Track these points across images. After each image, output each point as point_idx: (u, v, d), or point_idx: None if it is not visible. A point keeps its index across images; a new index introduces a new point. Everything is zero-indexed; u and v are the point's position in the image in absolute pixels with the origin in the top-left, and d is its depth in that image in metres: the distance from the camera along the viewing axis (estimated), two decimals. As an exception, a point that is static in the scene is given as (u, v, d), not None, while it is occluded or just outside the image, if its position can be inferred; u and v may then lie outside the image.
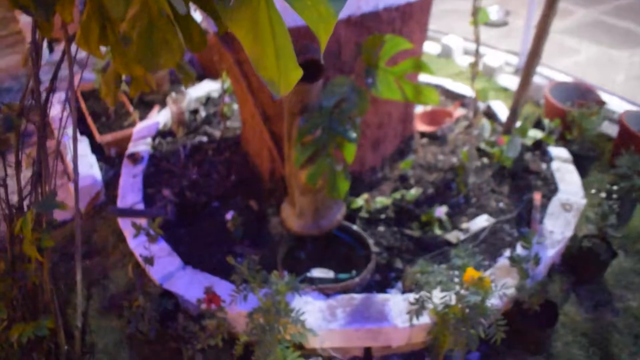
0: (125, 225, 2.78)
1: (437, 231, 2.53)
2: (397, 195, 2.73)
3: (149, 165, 3.12)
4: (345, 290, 2.29)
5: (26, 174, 1.71)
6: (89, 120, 3.58)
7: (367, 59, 2.22)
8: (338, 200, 2.52)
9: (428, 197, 2.75)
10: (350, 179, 2.51)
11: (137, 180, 3.01)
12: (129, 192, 2.94)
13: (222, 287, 2.31)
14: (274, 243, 2.59)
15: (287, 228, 2.50)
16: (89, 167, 3.23)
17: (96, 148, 3.45)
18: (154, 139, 3.31)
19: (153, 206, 2.86)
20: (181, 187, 2.95)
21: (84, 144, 3.39)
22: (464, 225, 2.61)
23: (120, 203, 2.90)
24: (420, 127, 3.27)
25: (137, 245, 2.64)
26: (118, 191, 2.95)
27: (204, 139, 3.30)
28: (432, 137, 3.23)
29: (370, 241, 2.48)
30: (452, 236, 2.55)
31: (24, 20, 4.63)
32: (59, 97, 3.72)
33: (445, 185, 2.83)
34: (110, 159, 3.43)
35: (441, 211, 2.53)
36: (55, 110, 3.50)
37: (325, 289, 2.28)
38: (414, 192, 2.72)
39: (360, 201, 2.66)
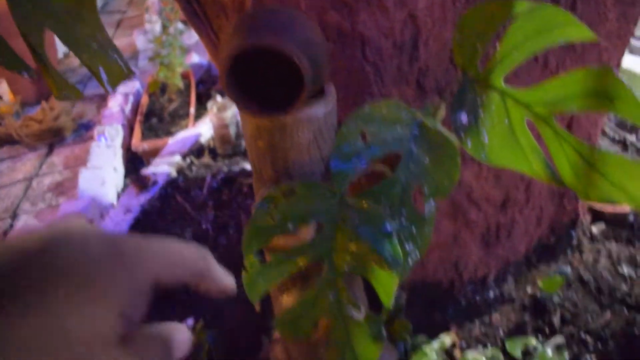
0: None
1: None
2: (515, 348, 1.24)
3: (158, 195, 1.94)
4: None
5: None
6: (137, 119, 2.51)
7: (463, 62, 0.76)
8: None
9: (581, 372, 1.21)
10: (405, 299, 1.13)
11: (126, 220, 1.85)
12: (106, 236, 1.78)
13: None
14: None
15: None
16: (99, 184, 2.14)
17: (139, 158, 2.38)
18: (184, 157, 2.13)
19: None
20: (179, 238, 1.72)
21: (110, 151, 2.32)
22: None
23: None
24: (597, 204, 1.67)
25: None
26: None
27: (248, 166, 2.04)
28: (617, 224, 1.63)
29: None
30: None
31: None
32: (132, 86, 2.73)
33: (625, 346, 1.26)
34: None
35: None
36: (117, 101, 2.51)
37: None
38: (551, 353, 1.20)
39: (432, 351, 1.21)
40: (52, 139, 2.83)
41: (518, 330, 1.34)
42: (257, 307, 0.89)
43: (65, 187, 2.52)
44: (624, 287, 1.43)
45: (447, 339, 1.25)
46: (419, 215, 0.81)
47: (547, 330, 1.33)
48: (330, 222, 0.82)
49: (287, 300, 0.98)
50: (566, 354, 1.20)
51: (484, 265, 1.32)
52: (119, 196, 2.22)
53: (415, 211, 0.81)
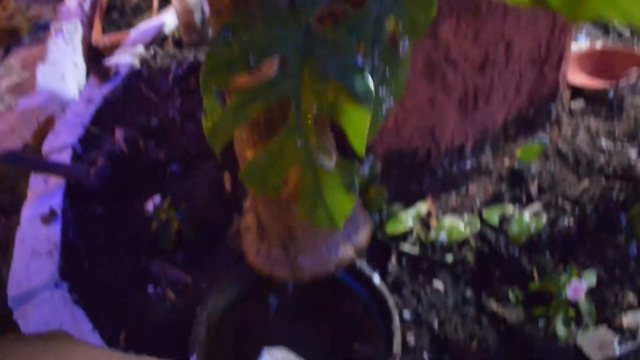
0: (34, 180, 1.54)
1: (560, 328, 0.98)
2: (492, 215, 1.20)
3: (122, 86, 1.82)
4: None
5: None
6: (97, 15, 2.33)
7: None
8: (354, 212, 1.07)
9: (559, 235, 1.18)
10: (380, 168, 1.06)
11: (88, 109, 1.73)
12: (67, 127, 1.69)
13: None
14: (229, 267, 1.20)
15: (245, 255, 1.10)
16: (59, 79, 2.00)
17: (101, 54, 2.23)
18: (148, 47, 1.99)
19: (88, 153, 1.58)
20: (146, 128, 1.63)
21: (69, 47, 2.16)
22: (627, 320, 1.03)
23: (50, 141, 1.66)
24: (577, 77, 1.61)
25: (27, 219, 1.41)
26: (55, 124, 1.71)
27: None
28: (596, 100, 1.57)
29: (396, 318, 1.00)
30: (592, 343, 1.00)
31: None
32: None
33: (603, 213, 1.22)
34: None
35: (581, 288, 0.97)
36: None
37: None
38: (529, 218, 1.17)
39: (408, 219, 1.17)
40: (7, 40, 2.65)
41: (495, 200, 1.30)
42: (218, 157, 0.81)
43: (25, 88, 2.37)
44: (602, 159, 1.39)
45: (423, 207, 1.20)
46: (392, 54, 0.72)
47: (524, 199, 1.29)
48: (295, 55, 0.73)
49: (253, 155, 0.90)
50: (544, 217, 1.16)
51: (462, 134, 1.26)
52: (80, 92, 2.09)
53: (389, 50, 0.72)
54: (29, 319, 1.18)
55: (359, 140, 0.75)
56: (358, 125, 0.75)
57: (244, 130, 0.87)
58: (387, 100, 0.81)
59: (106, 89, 1.81)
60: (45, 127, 1.90)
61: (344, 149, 0.84)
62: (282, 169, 0.79)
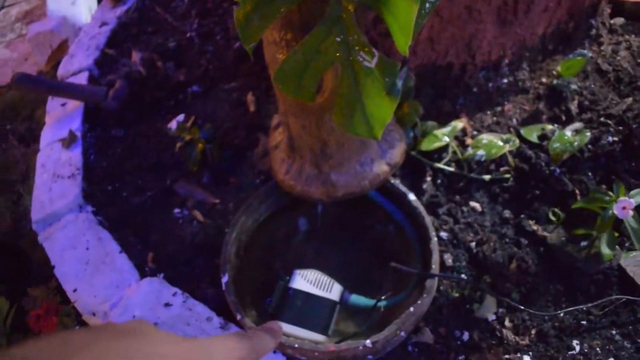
0: (52, 104, 1.48)
1: (604, 248, 0.93)
2: (531, 133, 1.12)
3: (136, 7, 1.72)
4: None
5: None
6: None
7: None
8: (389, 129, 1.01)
9: (602, 154, 1.11)
10: (414, 82, 0.99)
11: (102, 32, 1.65)
12: (81, 50, 1.61)
13: (113, 271, 0.99)
14: (256, 187, 1.15)
15: (273, 174, 1.05)
16: (69, 4, 1.91)
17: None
18: (161, -33, 1.87)
19: (105, 76, 1.51)
20: (163, 50, 1.54)
21: (79, -33, 2.04)
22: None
23: (65, 65, 1.59)
24: (618, -6, 1.49)
25: (47, 143, 1.36)
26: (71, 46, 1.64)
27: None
28: (638, 18, 1.47)
29: (433, 236, 0.95)
30: (637, 264, 0.95)
31: None
32: None
33: (649, 129, 1.15)
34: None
35: (630, 205, 0.91)
36: None
37: (297, 350, 0.86)
38: (571, 134, 1.09)
39: (444, 136, 1.10)
40: (15, -34, 2.52)
41: (532, 120, 1.22)
42: (250, 53, 0.73)
43: (35, 15, 2.27)
44: (645, 77, 1.29)
45: (458, 124, 1.13)
46: None
47: (563, 118, 1.21)
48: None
49: (279, 58, 0.82)
50: (587, 134, 1.09)
51: (499, 46, 1.17)
52: (93, 15, 1.99)
53: None
54: (55, 241, 1.15)
55: (404, 35, 0.67)
56: (404, 18, 0.67)
57: (276, 30, 0.79)
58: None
59: (120, 10, 1.71)
60: (58, 52, 1.82)
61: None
62: (319, 69, 0.71)
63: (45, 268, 1.11)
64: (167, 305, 0.96)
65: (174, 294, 0.98)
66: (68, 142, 1.32)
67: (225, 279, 0.94)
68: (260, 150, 1.15)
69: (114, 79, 1.44)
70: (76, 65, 1.56)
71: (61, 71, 1.58)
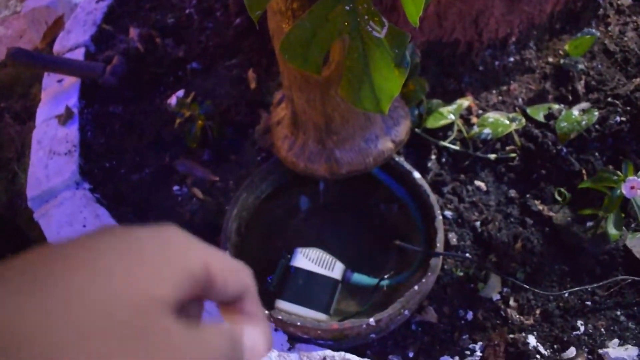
0: (47, 81, 1.46)
1: (611, 228, 0.92)
2: (537, 113, 1.11)
3: (134, -17, 1.69)
4: (343, 340, 0.85)
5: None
6: None
7: None
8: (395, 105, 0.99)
9: (609, 133, 1.09)
10: (420, 58, 0.98)
11: (99, 8, 1.62)
12: (78, 26, 1.58)
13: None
14: (257, 164, 1.14)
15: (276, 151, 1.03)
16: (65, -23, 1.86)
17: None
18: (159, -58, 1.83)
19: (103, 52, 1.48)
20: (162, 26, 1.52)
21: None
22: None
23: (61, 41, 1.56)
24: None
25: (43, 119, 1.34)
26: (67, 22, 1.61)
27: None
28: (645, -2, 1.45)
29: (438, 214, 0.94)
30: (648, 244, 0.95)
31: None
32: None
33: (657, 109, 1.13)
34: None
35: (639, 183, 0.89)
36: None
37: (299, 328, 0.85)
38: (578, 113, 1.08)
39: (449, 113, 1.08)
40: (9, -60, 2.47)
41: (539, 99, 1.20)
42: (256, 21, 0.71)
43: (30, -9, 2.22)
44: (653, 58, 1.28)
45: (464, 102, 1.11)
46: None
47: (570, 97, 1.19)
48: None
49: (285, 28, 0.80)
50: (596, 113, 1.07)
51: (507, 24, 1.15)
52: (89, -8, 1.96)
53: None
54: (51, 219, 1.13)
55: (415, 4, 0.66)
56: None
57: (281, 0, 0.76)
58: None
59: (117, -14, 1.68)
60: (54, 28, 1.79)
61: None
62: (327, 39, 0.69)
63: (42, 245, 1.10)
64: (166, 282, 0.95)
65: (174, 271, 0.96)
66: (65, 118, 1.30)
67: (226, 256, 0.92)
68: (262, 127, 1.13)
69: (112, 55, 1.42)
70: (72, 41, 1.53)
71: (57, 47, 1.55)
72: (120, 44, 1.49)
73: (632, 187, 0.92)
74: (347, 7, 0.68)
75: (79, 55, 1.50)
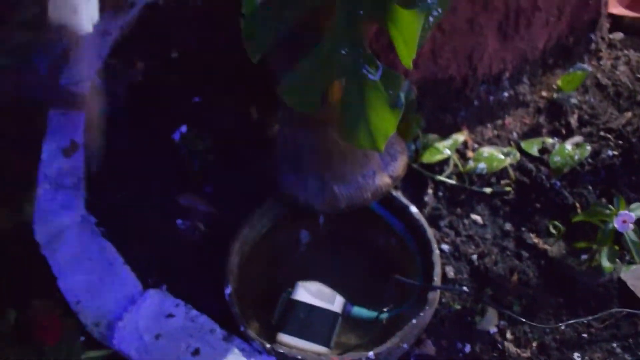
0: (53, 117, 1.49)
1: (605, 261, 0.94)
2: (532, 147, 1.14)
3: (138, 17, 1.74)
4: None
5: None
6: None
7: None
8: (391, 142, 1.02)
9: (602, 167, 1.12)
10: (415, 95, 1.01)
11: (106, 41, 1.66)
12: (84, 59, 1.62)
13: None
14: (259, 198, 1.16)
15: (277, 186, 1.06)
16: (71, 13, 1.92)
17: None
18: (163, -22, 1.89)
19: (108, 86, 1.52)
20: (166, 60, 1.56)
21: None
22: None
23: (67, 74, 1.60)
24: (616, 8, 1.52)
25: (49, 152, 1.37)
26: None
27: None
28: (636, 33, 1.49)
29: (435, 248, 0.96)
30: (637, 278, 0.97)
31: None
32: None
33: (649, 143, 1.17)
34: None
35: (630, 218, 0.92)
36: None
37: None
38: (571, 148, 1.11)
39: (445, 148, 1.11)
40: (16, -26, 2.54)
41: (533, 133, 1.24)
42: (256, 61, 0.75)
43: (35, 24, 2.28)
44: (643, 91, 1.32)
45: (459, 137, 1.15)
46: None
47: (563, 131, 1.23)
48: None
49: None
50: (588, 148, 1.10)
51: (500, 60, 1.19)
52: (95, 25, 2.01)
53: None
54: (57, 253, 1.15)
55: (408, 48, 0.69)
56: (408, 31, 0.69)
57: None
58: (434, 9, 0.74)
59: (122, 20, 1.73)
60: (60, 61, 1.83)
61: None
62: (325, 81, 0.73)
63: (48, 279, 1.12)
64: (170, 316, 0.97)
65: (177, 305, 0.99)
66: (70, 151, 1.33)
67: (228, 290, 0.95)
68: (263, 162, 1.16)
69: (117, 88, 1.46)
70: (78, 75, 1.57)
71: (63, 80, 1.59)
72: (126, 77, 1.54)
73: (624, 221, 0.94)
74: (344, 52, 0.72)
75: (84, 88, 1.54)
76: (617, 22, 1.49)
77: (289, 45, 0.82)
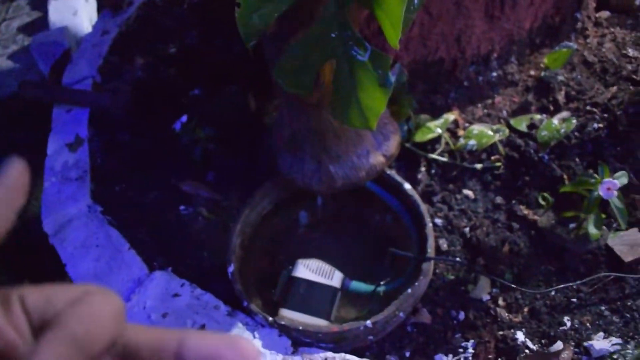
0: (57, 111, 1.54)
1: (592, 229, 0.98)
2: (520, 123, 1.18)
3: (136, 15, 1.78)
4: (342, 342, 0.91)
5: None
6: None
7: None
8: (384, 120, 1.06)
9: (588, 139, 1.16)
10: (407, 77, 1.04)
11: (105, 40, 1.70)
12: (84, 58, 1.66)
13: (121, 273, 1.05)
14: (259, 182, 1.20)
15: (276, 169, 1.10)
16: (71, 15, 1.97)
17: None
18: (159, -25, 1.93)
19: (109, 83, 1.56)
20: (165, 56, 1.61)
21: (78, -22, 2.11)
22: (661, 218, 1.03)
23: (68, 74, 1.65)
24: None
25: (54, 148, 1.42)
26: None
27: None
28: (623, 11, 1.52)
29: (428, 222, 1.01)
30: (623, 244, 1.01)
31: None
32: None
33: (633, 116, 1.20)
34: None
35: (614, 185, 0.96)
36: None
37: (302, 332, 0.91)
38: (558, 122, 1.15)
39: (436, 127, 1.15)
40: (15, -21, 2.58)
41: (522, 111, 1.27)
42: (251, 52, 0.79)
43: (37, 26, 2.33)
44: (630, 67, 1.35)
45: (450, 116, 1.19)
46: None
47: (551, 108, 1.27)
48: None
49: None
50: (574, 121, 1.14)
51: (488, 41, 1.23)
52: (94, 25, 2.05)
53: None
54: (65, 241, 1.20)
55: (394, 29, 0.73)
56: (394, 13, 0.72)
57: (275, 28, 0.84)
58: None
59: (120, 19, 1.77)
60: (62, 61, 1.88)
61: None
62: (316, 64, 0.77)
63: (57, 267, 1.16)
64: (176, 295, 1.02)
65: (182, 285, 1.03)
66: (74, 146, 1.38)
67: (231, 268, 0.99)
68: (262, 148, 1.20)
69: (118, 85, 1.50)
70: (80, 74, 1.62)
71: (65, 80, 1.64)
72: (126, 73, 1.58)
73: (609, 189, 0.98)
74: (334, 35, 0.76)
75: (86, 86, 1.58)
76: (603, 1, 1.53)
77: (283, 34, 0.86)
